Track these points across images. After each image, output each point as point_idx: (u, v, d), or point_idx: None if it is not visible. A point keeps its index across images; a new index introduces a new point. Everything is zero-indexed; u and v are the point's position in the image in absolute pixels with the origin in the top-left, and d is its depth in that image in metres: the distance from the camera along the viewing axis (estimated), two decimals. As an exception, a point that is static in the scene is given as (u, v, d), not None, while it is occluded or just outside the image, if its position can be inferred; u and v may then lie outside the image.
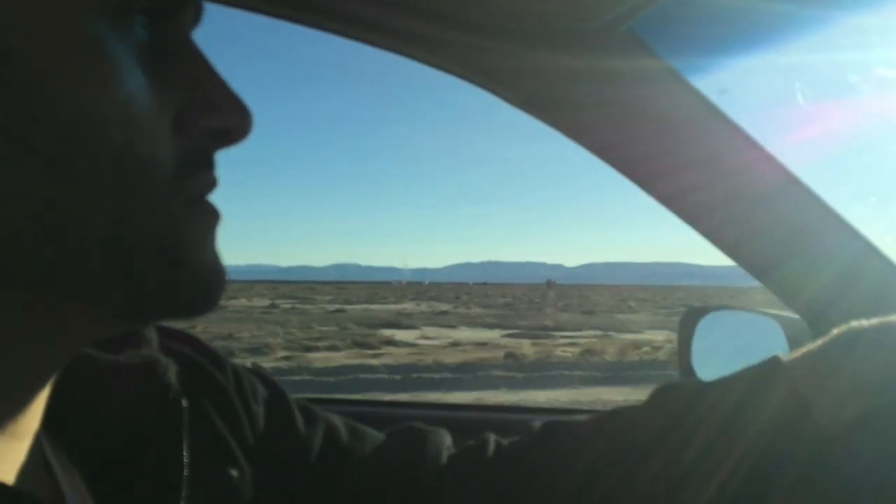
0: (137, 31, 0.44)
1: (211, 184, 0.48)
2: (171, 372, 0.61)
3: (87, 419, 0.54)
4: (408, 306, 42.07)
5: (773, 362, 0.67)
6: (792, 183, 1.02)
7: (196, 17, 0.50)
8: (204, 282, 0.47)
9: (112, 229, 0.41)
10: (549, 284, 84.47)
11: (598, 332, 22.88)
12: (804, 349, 0.68)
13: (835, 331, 0.67)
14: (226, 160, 0.50)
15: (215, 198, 0.49)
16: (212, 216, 0.48)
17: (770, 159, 1.01)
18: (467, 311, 37.82)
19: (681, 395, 0.71)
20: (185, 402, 0.60)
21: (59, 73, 0.39)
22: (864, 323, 0.66)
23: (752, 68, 1.14)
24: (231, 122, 0.48)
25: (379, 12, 0.91)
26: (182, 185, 0.45)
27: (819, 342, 0.67)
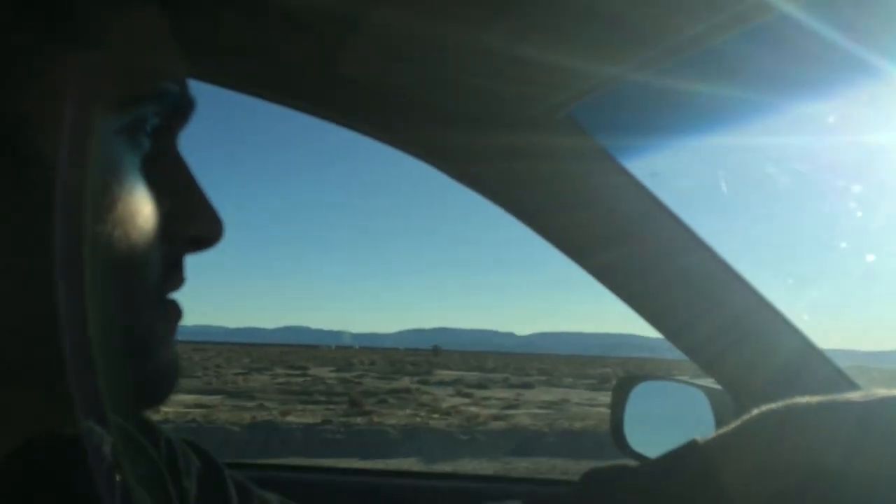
0: (143, 144, 0.46)
1: (180, 283, 0.50)
2: (107, 444, 0.57)
3: (15, 492, 0.52)
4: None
5: (691, 446, 0.70)
6: (717, 263, 1.08)
7: (185, 123, 0.52)
8: (163, 378, 0.49)
9: (102, 333, 0.42)
10: (436, 350, 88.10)
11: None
12: (721, 430, 0.71)
13: (753, 412, 0.69)
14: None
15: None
16: (177, 314, 0.50)
17: (697, 241, 1.08)
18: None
19: (606, 481, 0.74)
20: (118, 478, 0.57)
21: (80, 187, 0.41)
22: (774, 406, 0.69)
23: (680, 154, 1.21)
24: (206, 231, 0.50)
25: (328, 87, 0.94)
26: (162, 288, 0.48)
27: (734, 424, 0.70)
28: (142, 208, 0.45)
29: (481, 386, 27.39)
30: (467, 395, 23.19)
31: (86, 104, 0.42)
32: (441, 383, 28.51)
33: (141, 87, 0.45)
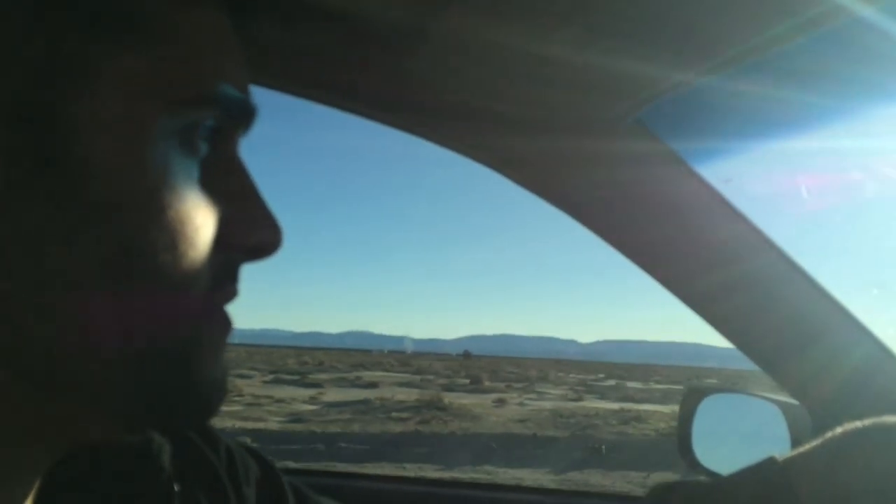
0: (200, 148, 0.45)
1: (233, 295, 0.49)
2: (165, 452, 0.59)
3: (77, 501, 0.52)
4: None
5: (770, 464, 0.67)
6: (795, 273, 1.04)
7: (247, 129, 0.51)
8: (210, 394, 0.47)
9: (146, 344, 0.42)
10: (466, 355, 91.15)
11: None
12: (801, 449, 0.68)
13: (837, 430, 0.67)
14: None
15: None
16: (226, 327, 0.48)
17: (774, 249, 1.04)
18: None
19: (676, 497, 0.71)
20: (177, 487, 0.58)
21: (127, 196, 0.40)
22: (860, 424, 0.66)
23: (757, 158, 1.17)
24: (264, 240, 0.49)
25: (396, 93, 0.94)
26: (212, 298, 0.46)
27: (816, 442, 0.67)
28: (193, 216, 0.43)
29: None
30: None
31: (138, 106, 0.41)
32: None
33: (197, 90, 0.44)
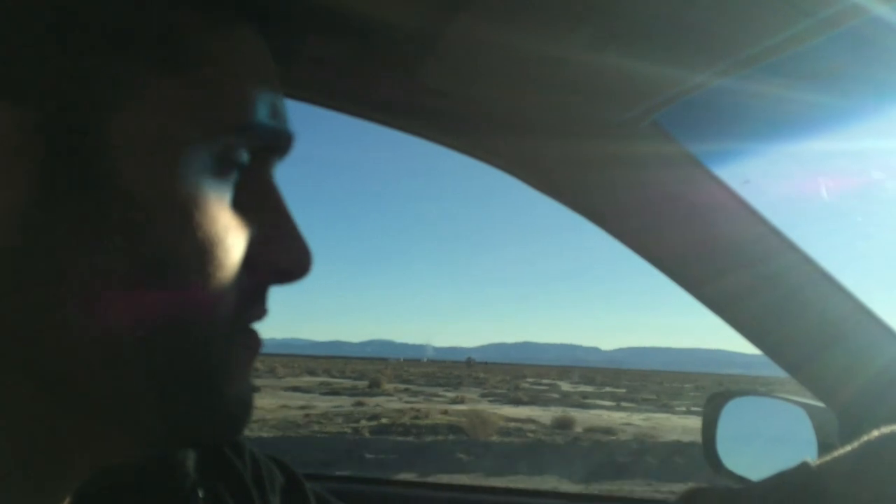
0: (234, 171, 0.46)
1: (262, 315, 0.49)
2: (190, 459, 0.60)
3: None
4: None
5: (804, 470, 0.66)
6: (817, 275, 1.03)
7: (283, 155, 0.51)
8: (236, 412, 0.47)
9: (170, 361, 0.42)
10: (469, 362, 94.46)
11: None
12: (835, 454, 0.66)
13: (873, 433, 0.65)
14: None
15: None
16: (255, 345, 0.49)
17: (796, 251, 1.03)
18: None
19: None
20: (201, 493, 0.59)
21: (158, 217, 0.40)
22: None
23: (777, 159, 1.16)
24: (294, 264, 0.49)
25: (412, 99, 0.94)
26: (239, 317, 0.46)
27: (850, 447, 0.66)
28: (224, 238, 0.44)
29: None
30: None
31: (173, 129, 0.42)
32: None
33: (232, 116, 0.44)
